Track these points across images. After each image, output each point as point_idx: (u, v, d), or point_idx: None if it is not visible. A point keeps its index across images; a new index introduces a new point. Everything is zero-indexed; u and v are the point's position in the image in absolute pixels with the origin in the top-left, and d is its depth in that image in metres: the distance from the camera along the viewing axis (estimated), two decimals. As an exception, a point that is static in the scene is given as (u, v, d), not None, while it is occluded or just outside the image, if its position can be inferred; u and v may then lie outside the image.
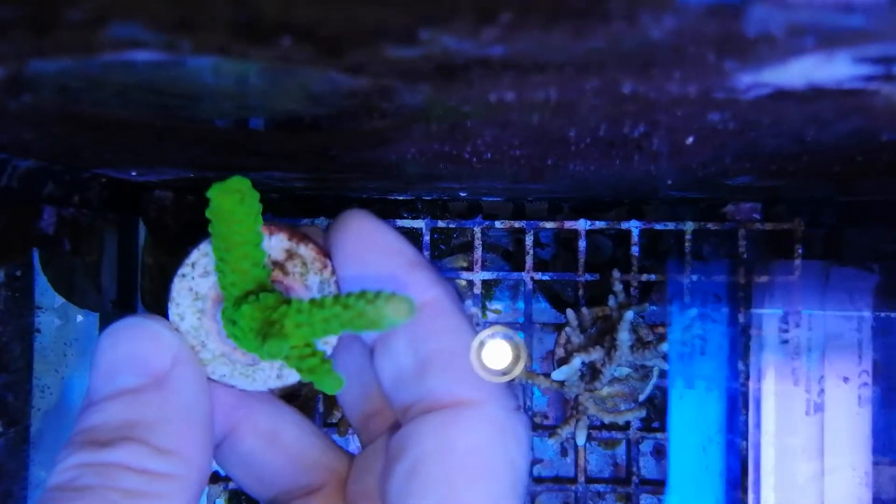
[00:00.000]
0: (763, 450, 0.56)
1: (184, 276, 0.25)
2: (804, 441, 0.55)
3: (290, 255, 0.25)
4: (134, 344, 0.24)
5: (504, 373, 0.24)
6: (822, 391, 0.55)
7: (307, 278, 0.25)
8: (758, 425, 0.56)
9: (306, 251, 0.25)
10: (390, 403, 0.26)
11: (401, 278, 0.25)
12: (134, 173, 0.46)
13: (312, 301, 0.23)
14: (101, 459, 0.23)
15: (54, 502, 0.22)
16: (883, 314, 0.56)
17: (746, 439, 0.57)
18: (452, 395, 0.24)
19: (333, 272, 0.25)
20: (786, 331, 0.56)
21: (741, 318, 0.57)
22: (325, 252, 0.26)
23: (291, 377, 0.26)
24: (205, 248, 0.25)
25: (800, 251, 0.56)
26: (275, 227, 0.26)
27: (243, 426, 0.28)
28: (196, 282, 0.25)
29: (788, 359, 0.56)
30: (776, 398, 0.56)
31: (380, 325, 0.21)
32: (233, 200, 0.22)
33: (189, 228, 0.55)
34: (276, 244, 0.25)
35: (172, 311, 0.25)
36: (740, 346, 0.58)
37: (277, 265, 0.25)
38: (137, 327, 0.25)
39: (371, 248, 0.25)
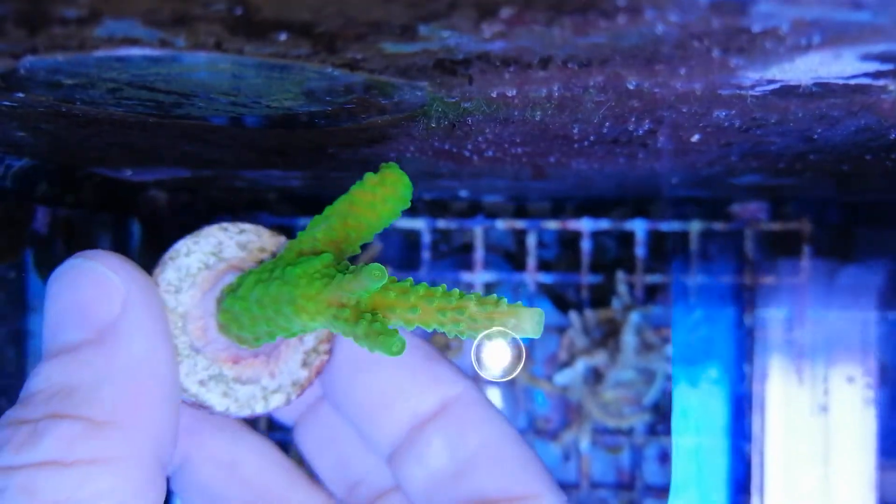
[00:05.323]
0: (768, 451, 0.56)
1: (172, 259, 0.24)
2: (809, 441, 0.55)
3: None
4: (76, 291, 0.21)
5: (504, 374, 0.23)
6: (826, 391, 0.55)
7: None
8: (763, 426, 0.56)
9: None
10: None
11: (421, 373, 0.23)
12: (128, 172, 0.46)
13: (424, 287, 0.20)
14: (22, 461, 0.18)
15: None
16: (888, 314, 0.55)
17: (751, 441, 0.57)
18: (506, 491, 0.22)
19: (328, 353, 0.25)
20: (791, 331, 0.56)
21: (747, 320, 0.57)
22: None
23: (276, 400, 0.24)
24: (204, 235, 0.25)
25: (807, 251, 0.56)
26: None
27: (199, 453, 0.25)
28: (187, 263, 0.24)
29: (793, 359, 0.56)
30: (781, 399, 0.56)
31: (507, 332, 0.19)
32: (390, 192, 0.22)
33: (184, 229, 0.55)
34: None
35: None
36: (746, 347, 0.57)
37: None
38: (79, 270, 0.21)
39: None
